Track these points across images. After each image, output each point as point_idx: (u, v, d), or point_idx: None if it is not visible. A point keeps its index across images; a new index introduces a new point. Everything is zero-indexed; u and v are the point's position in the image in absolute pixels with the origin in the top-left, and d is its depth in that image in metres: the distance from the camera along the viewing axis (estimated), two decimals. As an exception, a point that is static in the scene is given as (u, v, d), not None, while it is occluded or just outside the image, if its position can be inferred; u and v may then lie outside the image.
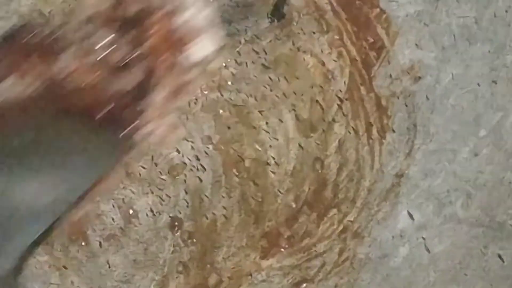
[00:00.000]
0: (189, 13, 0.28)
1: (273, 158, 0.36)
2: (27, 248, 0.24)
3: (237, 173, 0.36)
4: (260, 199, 0.36)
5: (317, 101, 0.36)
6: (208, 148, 0.36)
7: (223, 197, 0.36)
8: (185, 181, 0.35)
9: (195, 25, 0.27)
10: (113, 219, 0.34)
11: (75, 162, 0.26)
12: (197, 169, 0.36)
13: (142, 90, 0.27)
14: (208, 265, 0.36)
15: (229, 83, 0.36)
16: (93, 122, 0.27)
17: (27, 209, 0.24)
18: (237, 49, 0.36)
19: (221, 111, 0.36)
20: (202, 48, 0.28)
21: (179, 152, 0.35)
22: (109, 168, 0.27)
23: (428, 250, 0.37)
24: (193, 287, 0.36)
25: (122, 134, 0.27)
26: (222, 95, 0.36)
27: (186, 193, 0.35)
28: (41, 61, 0.26)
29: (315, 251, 0.36)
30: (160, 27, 0.27)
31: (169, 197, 0.35)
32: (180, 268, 0.36)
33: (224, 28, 0.31)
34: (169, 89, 0.27)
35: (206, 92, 0.37)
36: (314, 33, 0.37)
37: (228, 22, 0.36)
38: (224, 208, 0.36)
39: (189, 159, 0.35)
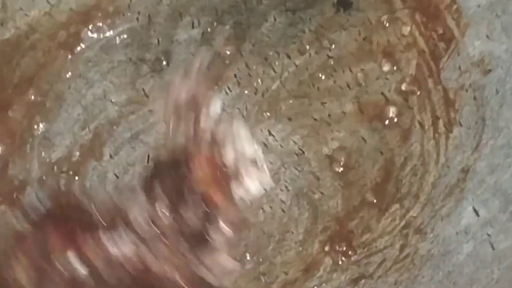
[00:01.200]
0: (235, 149, 0.27)
1: (335, 151, 0.36)
2: None
3: (297, 166, 0.36)
4: (320, 193, 0.36)
5: (382, 93, 0.36)
6: (267, 140, 0.37)
7: (281, 190, 0.36)
8: (242, 173, 0.36)
9: (241, 161, 0.27)
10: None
11: None
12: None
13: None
14: (264, 260, 0.37)
15: (292, 73, 0.36)
16: None
17: None
18: (301, 39, 0.36)
19: (282, 102, 0.36)
20: (249, 185, 0.28)
21: (236, 143, 0.36)
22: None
23: (492, 247, 0.37)
24: (248, 282, 0.37)
25: None
26: (283, 86, 0.36)
27: (243, 185, 0.36)
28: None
29: (375, 246, 0.36)
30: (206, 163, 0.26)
31: (225, 188, 0.36)
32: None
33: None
34: (228, 221, 0.26)
35: (266, 83, 0.37)
36: (381, 23, 0.36)
37: (292, 11, 0.36)
38: (282, 201, 0.36)
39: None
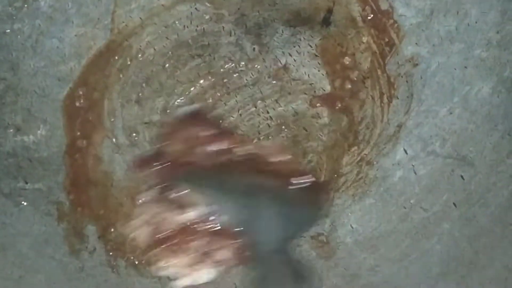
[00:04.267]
0: None
1: (317, 114, 0.50)
2: None
3: (295, 123, 0.50)
4: (307, 140, 0.51)
5: (349, 76, 0.50)
6: (275, 108, 0.51)
7: (283, 137, 0.50)
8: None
9: None
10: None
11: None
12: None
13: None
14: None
15: (291, 65, 0.50)
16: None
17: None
18: (298, 44, 0.49)
19: (286, 84, 0.50)
20: None
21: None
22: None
23: (415, 173, 0.49)
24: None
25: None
26: (286, 72, 0.50)
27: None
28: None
29: (341, 172, 0.51)
30: None
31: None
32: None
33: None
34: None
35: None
36: (349, 35, 0.49)
37: (294, 26, 0.49)
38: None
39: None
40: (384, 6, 0.48)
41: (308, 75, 0.50)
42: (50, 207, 0.49)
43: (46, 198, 0.49)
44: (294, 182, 0.45)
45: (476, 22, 0.47)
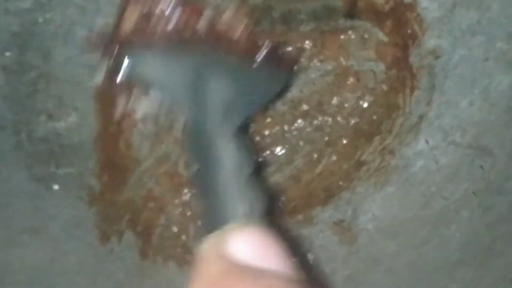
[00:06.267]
0: None
1: (344, 105, 0.52)
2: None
3: (327, 115, 0.51)
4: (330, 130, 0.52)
5: (372, 70, 0.51)
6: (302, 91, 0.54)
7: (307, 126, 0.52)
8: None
9: None
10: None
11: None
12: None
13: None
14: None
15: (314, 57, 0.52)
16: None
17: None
18: (324, 34, 0.50)
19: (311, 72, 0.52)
20: None
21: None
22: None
23: (436, 163, 0.51)
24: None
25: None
26: (311, 61, 0.51)
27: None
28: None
29: (365, 161, 0.52)
30: None
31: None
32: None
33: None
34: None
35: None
36: (373, 27, 0.50)
37: (319, 19, 0.49)
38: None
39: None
40: (407, -1, 0.49)
41: (333, 66, 0.51)
42: (81, 191, 0.51)
43: (77, 182, 0.51)
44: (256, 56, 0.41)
45: (497, 16, 0.48)
